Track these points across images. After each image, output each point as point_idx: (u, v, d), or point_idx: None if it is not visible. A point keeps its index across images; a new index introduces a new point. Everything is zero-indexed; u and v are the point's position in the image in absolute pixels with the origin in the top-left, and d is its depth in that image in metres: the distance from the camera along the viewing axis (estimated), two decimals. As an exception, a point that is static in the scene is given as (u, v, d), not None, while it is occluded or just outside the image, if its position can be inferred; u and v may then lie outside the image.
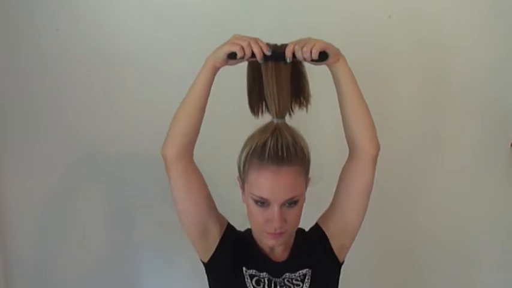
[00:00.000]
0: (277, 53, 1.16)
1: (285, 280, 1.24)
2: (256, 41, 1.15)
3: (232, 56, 1.15)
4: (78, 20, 1.69)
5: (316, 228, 1.30)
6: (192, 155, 1.22)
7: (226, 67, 1.20)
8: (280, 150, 1.13)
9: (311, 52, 1.14)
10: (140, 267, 1.88)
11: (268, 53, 1.14)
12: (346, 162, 1.26)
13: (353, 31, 1.74)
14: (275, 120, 1.19)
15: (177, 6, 1.70)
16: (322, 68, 1.22)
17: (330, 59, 1.18)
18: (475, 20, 1.80)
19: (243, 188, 1.22)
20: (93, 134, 1.76)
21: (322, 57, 1.16)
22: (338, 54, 1.19)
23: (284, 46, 1.17)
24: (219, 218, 1.28)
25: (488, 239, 1.96)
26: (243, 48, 1.13)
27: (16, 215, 1.79)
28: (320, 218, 1.32)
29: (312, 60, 1.17)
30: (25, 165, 1.77)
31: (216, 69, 1.18)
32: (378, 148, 1.24)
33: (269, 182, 1.13)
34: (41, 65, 1.71)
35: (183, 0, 1.71)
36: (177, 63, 1.68)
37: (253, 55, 1.15)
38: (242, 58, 1.15)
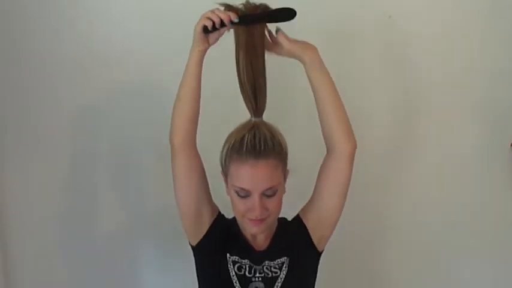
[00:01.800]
0: (248, 15, 1.21)
1: (264, 267, 1.29)
2: (223, 11, 1.20)
3: (205, 30, 1.20)
4: (77, 20, 1.72)
5: (297, 219, 1.35)
6: (195, 141, 1.28)
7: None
8: (257, 144, 1.19)
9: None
10: (140, 268, 1.90)
11: (235, 20, 1.19)
12: (324, 159, 1.30)
13: (353, 31, 1.76)
14: (253, 119, 1.26)
15: (176, 8, 1.71)
16: (298, 66, 1.26)
17: (307, 54, 1.23)
18: (475, 20, 1.80)
19: (226, 181, 1.28)
20: (92, 134, 1.79)
21: (291, 11, 1.21)
22: (317, 53, 1.24)
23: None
24: (212, 205, 1.34)
25: (488, 239, 1.95)
26: (210, 19, 1.18)
27: (16, 215, 1.80)
28: (301, 210, 1.36)
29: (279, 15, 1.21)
30: (24, 165, 1.78)
31: (201, 53, 1.22)
32: (354, 145, 1.27)
33: (248, 174, 1.19)
34: (40, 64, 1.73)
35: (181, 1, 1.72)
36: (175, 63, 1.71)
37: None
38: (215, 29, 1.19)
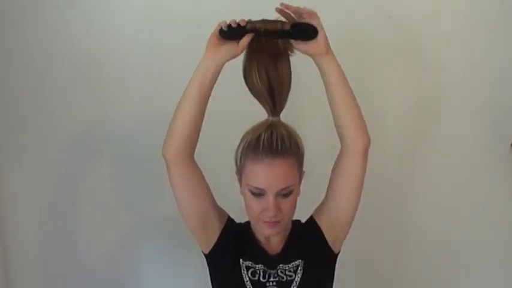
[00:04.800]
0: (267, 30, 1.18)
1: (279, 271, 1.27)
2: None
3: (221, 32, 1.16)
4: (75, 21, 1.71)
5: (311, 221, 1.33)
6: (193, 154, 1.24)
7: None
8: (274, 142, 1.17)
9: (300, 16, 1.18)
10: (140, 267, 1.88)
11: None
12: (338, 155, 1.28)
13: (353, 31, 1.76)
14: (270, 118, 1.23)
15: (174, 10, 1.71)
16: (312, 66, 1.24)
17: (319, 46, 1.19)
18: (476, 20, 1.81)
19: (240, 181, 1.25)
20: (97, 136, 1.77)
21: (312, 31, 1.18)
22: (329, 47, 1.21)
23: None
24: (219, 211, 1.31)
25: (488, 239, 1.95)
26: (227, 24, 1.16)
27: (15, 215, 1.79)
28: (314, 211, 1.34)
29: (299, 34, 1.19)
30: (27, 166, 1.77)
31: (208, 62, 1.17)
32: (368, 141, 1.25)
33: (264, 173, 1.17)
34: (39, 64, 1.72)
35: (180, 4, 1.72)
36: (173, 65, 1.69)
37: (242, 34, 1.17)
38: (232, 34, 1.16)
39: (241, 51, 1.19)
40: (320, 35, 1.19)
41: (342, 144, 1.26)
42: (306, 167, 1.25)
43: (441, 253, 1.94)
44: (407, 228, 1.93)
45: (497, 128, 1.88)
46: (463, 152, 1.89)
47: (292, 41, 1.21)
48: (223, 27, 1.16)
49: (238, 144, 1.24)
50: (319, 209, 1.33)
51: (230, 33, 1.16)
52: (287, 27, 1.18)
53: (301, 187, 1.26)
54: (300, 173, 1.24)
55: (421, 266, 1.96)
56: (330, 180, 1.30)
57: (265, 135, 1.17)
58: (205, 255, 1.32)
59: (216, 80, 1.20)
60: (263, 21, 1.19)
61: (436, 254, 1.94)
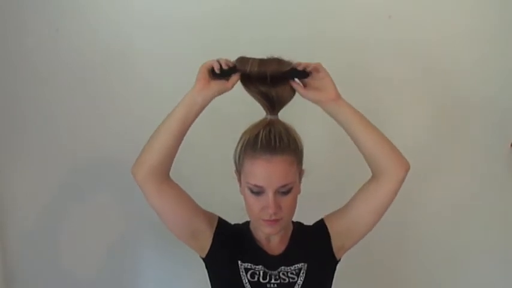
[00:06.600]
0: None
1: (280, 273, 1.25)
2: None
3: (213, 72, 1.17)
4: (78, 21, 1.71)
5: (320, 224, 1.32)
6: (167, 174, 1.23)
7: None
8: (272, 140, 1.16)
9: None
10: (140, 268, 1.88)
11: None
12: (372, 180, 1.27)
13: (353, 31, 1.76)
14: (268, 116, 1.23)
15: (174, 12, 1.71)
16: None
17: (330, 92, 1.20)
18: (475, 20, 1.81)
19: (239, 180, 1.25)
20: (93, 136, 1.77)
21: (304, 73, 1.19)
22: (338, 92, 1.21)
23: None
24: (206, 217, 1.29)
25: (488, 240, 1.95)
26: (218, 62, 1.16)
27: (15, 216, 1.79)
28: (328, 216, 1.33)
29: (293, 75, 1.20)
30: (25, 166, 1.77)
31: (195, 93, 1.17)
32: (407, 166, 1.25)
33: (263, 170, 1.16)
34: (40, 65, 1.72)
35: (181, 6, 1.72)
36: (174, 69, 1.69)
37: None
38: (223, 74, 1.17)
39: (231, 88, 1.20)
40: (327, 82, 1.19)
41: (377, 174, 1.25)
42: (305, 165, 1.25)
43: (441, 253, 1.94)
44: (407, 229, 1.92)
45: (497, 128, 1.88)
46: (463, 152, 1.89)
47: (300, 91, 1.22)
48: (215, 70, 1.17)
49: (237, 142, 1.23)
50: (335, 216, 1.32)
51: (221, 74, 1.18)
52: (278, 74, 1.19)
53: (301, 187, 1.25)
54: (300, 171, 1.23)
55: (421, 267, 1.95)
56: (358, 195, 1.28)
57: (263, 133, 1.17)
58: (203, 259, 1.31)
59: (200, 113, 1.20)
60: (260, 64, 1.18)
61: (436, 255, 1.94)
